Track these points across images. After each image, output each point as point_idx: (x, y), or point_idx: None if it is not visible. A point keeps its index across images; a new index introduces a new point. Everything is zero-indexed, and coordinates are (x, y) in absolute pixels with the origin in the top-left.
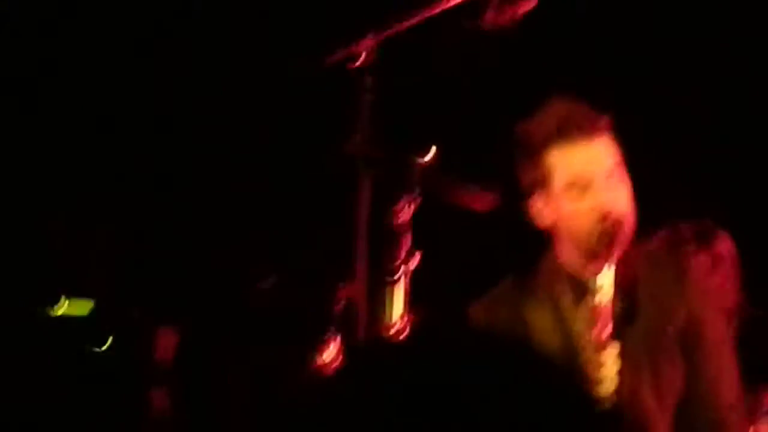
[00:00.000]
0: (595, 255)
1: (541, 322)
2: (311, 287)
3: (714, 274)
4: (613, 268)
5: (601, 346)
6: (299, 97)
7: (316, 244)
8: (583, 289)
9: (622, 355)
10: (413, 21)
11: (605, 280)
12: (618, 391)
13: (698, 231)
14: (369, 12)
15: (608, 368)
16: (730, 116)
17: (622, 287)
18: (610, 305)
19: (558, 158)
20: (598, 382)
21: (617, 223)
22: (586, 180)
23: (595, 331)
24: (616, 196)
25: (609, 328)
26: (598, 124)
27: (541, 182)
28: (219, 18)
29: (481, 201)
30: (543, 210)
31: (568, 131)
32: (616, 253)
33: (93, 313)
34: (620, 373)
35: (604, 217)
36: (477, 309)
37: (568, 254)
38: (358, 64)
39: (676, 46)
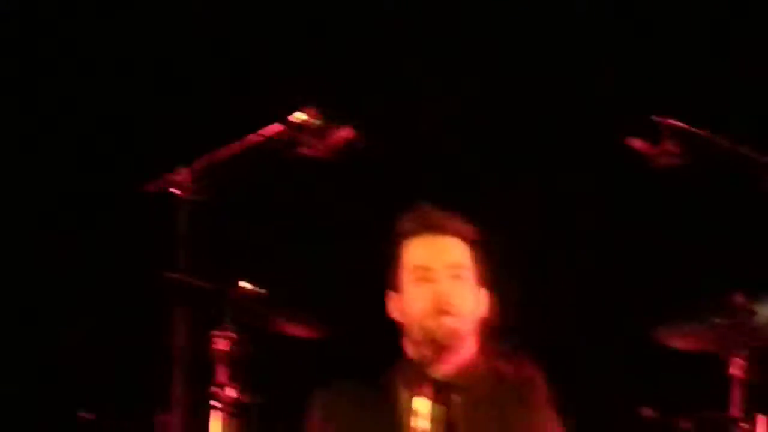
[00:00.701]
0: (428, 352)
1: (379, 421)
2: (128, 416)
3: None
4: (428, 400)
5: None
6: (117, 224)
7: (133, 373)
8: (431, 384)
9: None
10: (231, 151)
11: (420, 407)
12: None
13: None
14: (187, 141)
15: None
16: None
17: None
18: None
19: (408, 248)
20: None
21: (450, 317)
22: (427, 269)
23: None
24: (456, 293)
25: None
26: (453, 224)
27: (395, 274)
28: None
29: (306, 329)
30: (396, 302)
31: (419, 225)
32: (448, 360)
33: None
34: None
35: (439, 309)
36: (320, 395)
37: (412, 348)
38: (177, 192)
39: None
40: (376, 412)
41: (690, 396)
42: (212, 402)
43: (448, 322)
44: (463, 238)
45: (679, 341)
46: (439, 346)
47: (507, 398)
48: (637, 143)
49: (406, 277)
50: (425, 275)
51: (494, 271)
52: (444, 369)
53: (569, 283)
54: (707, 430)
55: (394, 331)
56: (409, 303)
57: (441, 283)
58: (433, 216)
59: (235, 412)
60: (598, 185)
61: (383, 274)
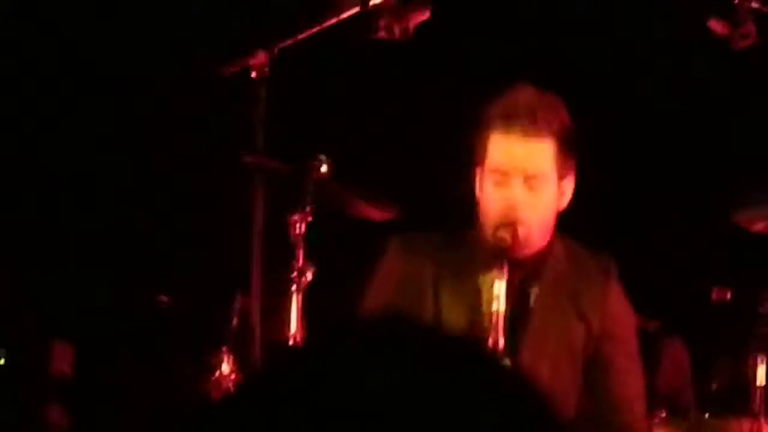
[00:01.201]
0: (494, 248)
1: (452, 293)
2: (206, 300)
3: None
4: (504, 280)
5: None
6: (195, 108)
7: (211, 256)
8: (500, 266)
9: (519, 358)
10: (307, 33)
11: (498, 289)
12: None
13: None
14: (263, 24)
15: None
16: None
17: (523, 289)
18: (502, 316)
19: (494, 142)
20: None
21: (514, 225)
22: (505, 172)
23: (490, 341)
24: (529, 204)
25: (501, 341)
26: (544, 126)
27: (481, 158)
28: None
29: (378, 211)
30: (478, 183)
31: (511, 122)
32: (514, 256)
33: None
34: None
35: (505, 214)
36: (400, 238)
37: (484, 233)
38: (253, 75)
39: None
40: (457, 270)
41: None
42: (291, 284)
43: (519, 232)
44: (550, 134)
45: (757, 223)
46: (509, 249)
47: (583, 285)
48: (716, 25)
49: (487, 174)
50: (502, 180)
51: (580, 159)
52: (519, 255)
53: (649, 164)
54: None
55: (470, 214)
56: (485, 204)
57: (515, 192)
58: (519, 112)
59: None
60: (680, 65)
61: (460, 158)
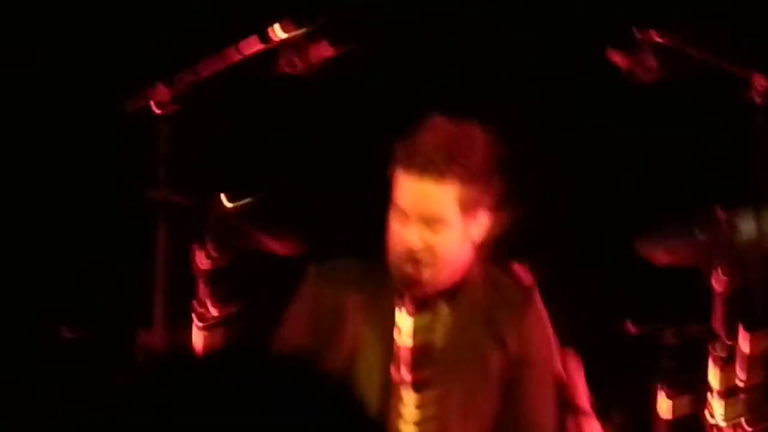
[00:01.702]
0: (397, 284)
1: (368, 320)
2: (110, 336)
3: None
4: (410, 316)
5: (402, 385)
6: (98, 144)
7: (115, 292)
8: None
9: (425, 400)
10: (210, 69)
11: (404, 324)
12: (419, 427)
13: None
14: (165, 60)
15: (407, 407)
16: None
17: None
18: (409, 351)
19: (400, 180)
20: (398, 417)
21: (414, 272)
22: (405, 213)
23: (393, 371)
24: (425, 243)
25: (408, 376)
26: (445, 168)
27: (392, 195)
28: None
29: (284, 245)
30: (389, 219)
31: (411, 163)
32: (421, 291)
33: None
34: (420, 409)
35: (405, 254)
36: (317, 267)
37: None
38: (156, 111)
39: None
40: (376, 300)
41: (673, 310)
42: (194, 318)
43: (420, 269)
44: (452, 176)
45: (662, 256)
46: (414, 285)
47: (501, 310)
48: (617, 57)
49: (392, 211)
50: (402, 219)
51: (496, 194)
52: (428, 290)
53: (554, 200)
54: (690, 343)
55: (378, 250)
56: (388, 241)
57: (413, 233)
58: (420, 152)
59: (216, 326)
60: (580, 100)
61: (366, 193)
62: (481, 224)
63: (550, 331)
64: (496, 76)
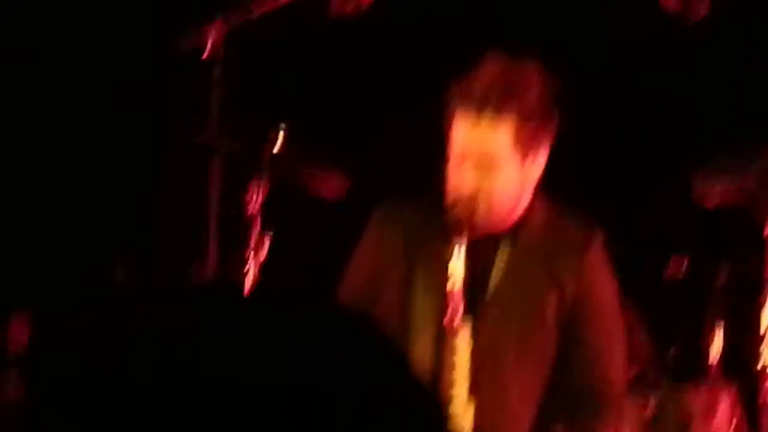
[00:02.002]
0: (452, 223)
1: (424, 259)
2: (164, 274)
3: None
4: (462, 255)
5: (453, 333)
6: (148, 86)
7: (169, 232)
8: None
9: (480, 332)
10: (260, 11)
11: (456, 266)
12: (472, 374)
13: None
14: (215, 2)
15: (460, 354)
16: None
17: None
18: (461, 292)
19: (456, 120)
20: (451, 366)
21: (469, 206)
22: (461, 154)
23: (446, 319)
24: (480, 184)
25: (459, 317)
26: (501, 106)
27: (449, 136)
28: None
29: (331, 186)
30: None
31: (466, 103)
32: (477, 231)
33: None
34: (474, 356)
35: (461, 198)
36: (380, 209)
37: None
38: (206, 54)
39: None
40: (433, 237)
41: (726, 251)
42: (247, 258)
43: (475, 212)
44: (508, 114)
45: (715, 196)
46: (470, 227)
47: (560, 251)
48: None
49: (451, 152)
50: (459, 160)
51: (553, 133)
52: (485, 229)
53: (607, 132)
54: (740, 283)
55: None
56: (448, 179)
57: (468, 174)
58: (475, 92)
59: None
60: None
61: (417, 136)
62: (539, 163)
63: (610, 275)
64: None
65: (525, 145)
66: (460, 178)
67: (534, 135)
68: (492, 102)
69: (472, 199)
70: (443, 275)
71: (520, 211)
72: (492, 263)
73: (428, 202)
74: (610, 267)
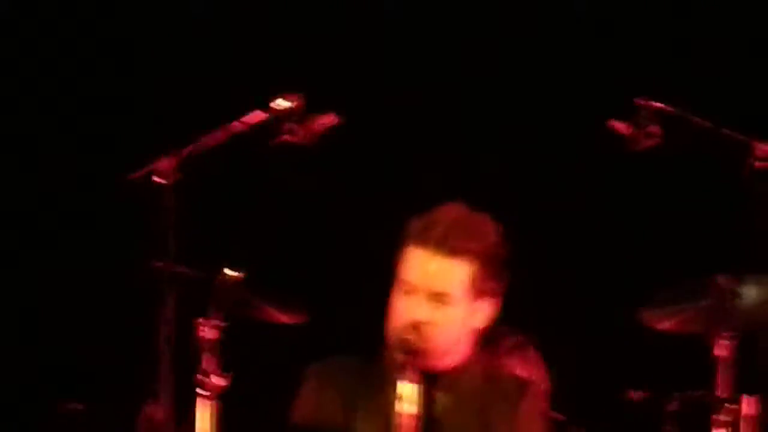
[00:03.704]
0: (400, 350)
1: (366, 412)
2: (116, 407)
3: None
4: (414, 384)
5: None
6: (101, 214)
7: (121, 363)
8: (408, 369)
9: None
10: (213, 140)
11: (405, 391)
12: None
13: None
14: (170, 130)
15: None
16: None
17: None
18: (413, 419)
19: (411, 254)
20: None
21: (415, 340)
22: (413, 285)
23: None
24: (428, 318)
25: None
26: (459, 246)
27: (398, 268)
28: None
29: (289, 315)
30: (393, 291)
31: (426, 237)
32: (419, 367)
33: None
34: None
35: (409, 324)
36: (314, 368)
37: (391, 340)
38: (160, 181)
39: None
40: (370, 388)
41: (676, 378)
42: (198, 390)
43: (421, 338)
44: (466, 254)
45: (664, 323)
46: (415, 353)
47: (495, 401)
48: (618, 126)
49: (398, 283)
50: (409, 291)
51: (503, 285)
52: (428, 364)
53: (554, 269)
54: (693, 411)
55: (380, 318)
56: (392, 311)
57: (419, 306)
58: (436, 228)
59: (220, 399)
60: (581, 169)
61: (370, 263)
62: (485, 311)
63: (543, 425)
64: (496, 148)
65: (476, 288)
66: (407, 307)
67: (486, 281)
68: (451, 241)
69: (416, 329)
70: (383, 421)
71: (460, 354)
72: (430, 408)
73: (367, 356)
74: (544, 417)
